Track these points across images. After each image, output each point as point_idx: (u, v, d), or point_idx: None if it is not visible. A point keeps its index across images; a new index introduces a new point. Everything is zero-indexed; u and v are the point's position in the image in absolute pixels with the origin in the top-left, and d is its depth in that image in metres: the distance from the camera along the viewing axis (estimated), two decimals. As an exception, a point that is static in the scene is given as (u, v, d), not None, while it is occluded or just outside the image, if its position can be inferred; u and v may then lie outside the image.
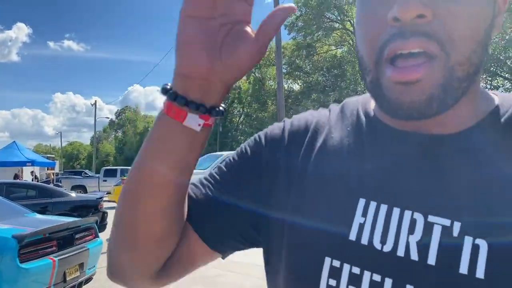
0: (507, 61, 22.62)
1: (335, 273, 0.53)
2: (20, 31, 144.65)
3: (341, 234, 0.54)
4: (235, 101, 46.19)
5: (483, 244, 0.46)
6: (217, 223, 0.66)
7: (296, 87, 37.88)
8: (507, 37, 21.58)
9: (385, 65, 0.50)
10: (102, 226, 8.31)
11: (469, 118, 0.54)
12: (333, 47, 35.26)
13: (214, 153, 12.98)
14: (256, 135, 0.70)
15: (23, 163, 17.81)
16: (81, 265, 4.82)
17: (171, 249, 0.64)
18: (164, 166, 0.58)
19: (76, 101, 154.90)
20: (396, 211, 0.52)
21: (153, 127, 0.59)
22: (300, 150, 0.63)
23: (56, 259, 4.32)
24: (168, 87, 0.56)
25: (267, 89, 40.21)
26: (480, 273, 0.46)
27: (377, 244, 0.52)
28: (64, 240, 4.68)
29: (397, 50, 0.49)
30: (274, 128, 0.70)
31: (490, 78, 24.21)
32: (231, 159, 0.70)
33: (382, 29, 0.50)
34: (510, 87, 24.84)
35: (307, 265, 0.56)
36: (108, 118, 74.35)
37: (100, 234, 5.67)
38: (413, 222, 0.50)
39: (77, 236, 4.94)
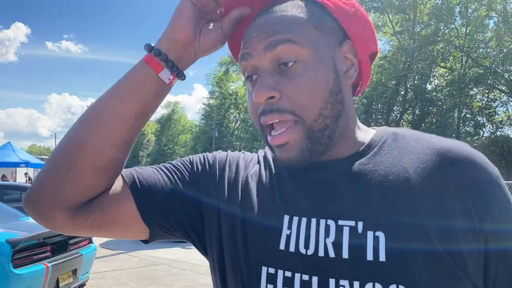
0: (505, 74, 22.76)
1: (271, 279, 0.65)
2: (19, 31, 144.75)
3: (272, 246, 0.66)
4: (232, 106, 46.20)
5: (381, 235, 0.60)
6: (156, 202, 0.74)
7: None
8: (504, 50, 21.75)
9: (265, 133, 0.69)
10: (96, 230, 8.25)
11: (352, 148, 0.70)
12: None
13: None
14: (205, 155, 0.82)
15: (17, 164, 17.70)
16: (74, 271, 4.77)
17: (100, 185, 0.71)
18: (131, 102, 0.71)
19: (72, 102, 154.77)
20: (313, 221, 0.65)
21: (130, 72, 0.73)
22: (233, 179, 0.77)
23: (49, 264, 4.26)
24: (153, 45, 0.73)
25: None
26: (382, 257, 0.59)
27: (302, 250, 0.64)
28: (58, 245, 4.63)
29: (264, 122, 0.67)
30: (220, 155, 0.82)
31: (487, 91, 24.35)
32: (188, 160, 0.81)
33: (255, 107, 0.68)
34: (506, 100, 24.99)
35: (248, 274, 0.67)
36: (104, 120, 74.11)
37: (93, 240, 5.62)
38: (327, 227, 0.63)
39: (71, 241, 4.88)
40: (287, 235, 0.66)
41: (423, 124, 26.50)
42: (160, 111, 62.45)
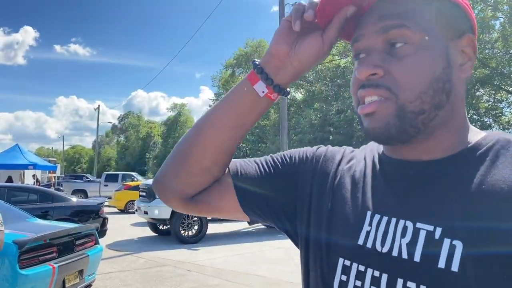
0: (511, 75, 22.61)
1: (346, 270, 0.69)
2: (27, 34, 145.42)
3: (352, 240, 0.70)
4: (238, 108, 46.13)
5: (459, 244, 0.58)
6: (254, 195, 0.83)
7: (299, 96, 37.88)
8: (511, 51, 21.60)
9: (358, 106, 0.71)
10: (102, 232, 8.29)
11: (450, 148, 0.68)
12: (336, 57, 35.33)
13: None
14: (306, 149, 0.89)
15: (25, 166, 17.82)
16: (81, 272, 4.81)
17: (207, 183, 0.84)
18: (229, 113, 0.80)
19: (79, 105, 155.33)
20: (393, 220, 0.66)
21: (236, 85, 0.81)
22: (327, 174, 0.81)
23: (56, 265, 4.30)
24: (256, 61, 0.78)
25: (270, 97, 40.19)
26: (455, 267, 0.58)
27: (378, 247, 0.66)
28: (65, 246, 4.67)
29: (360, 96, 0.69)
30: (319, 150, 0.87)
31: (493, 92, 24.19)
32: (288, 154, 0.88)
33: (357, 83, 0.70)
34: (513, 101, 24.80)
35: (326, 263, 0.72)
36: (111, 122, 74.52)
37: (100, 241, 5.66)
38: (405, 228, 0.64)
39: (77, 242, 4.93)
40: (367, 231, 0.68)
41: (429, 125, 26.29)
42: (167, 113, 62.55)
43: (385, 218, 0.67)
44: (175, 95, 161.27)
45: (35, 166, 17.67)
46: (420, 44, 0.65)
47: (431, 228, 0.62)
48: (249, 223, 0.91)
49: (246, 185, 0.84)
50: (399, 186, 0.69)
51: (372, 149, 0.81)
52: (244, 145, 43.90)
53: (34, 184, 19.88)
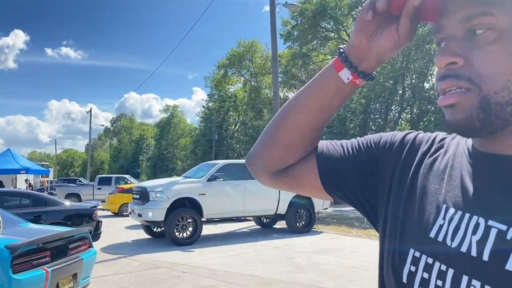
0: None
1: (415, 261, 0.69)
2: (18, 38, 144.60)
3: (424, 232, 0.69)
4: (231, 109, 46.20)
5: None
6: (336, 176, 0.86)
7: (292, 95, 37.93)
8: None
9: (439, 97, 0.68)
10: (96, 235, 8.25)
11: None
12: (328, 56, 35.40)
13: (208, 162, 12.93)
14: (395, 134, 0.87)
15: (17, 171, 17.69)
16: (75, 276, 4.78)
17: (292, 159, 0.89)
18: (314, 96, 0.85)
19: (71, 108, 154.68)
20: (466, 216, 0.64)
21: (322, 71, 0.85)
22: (410, 161, 0.80)
23: (49, 269, 4.28)
24: (341, 50, 0.81)
25: (262, 97, 40.28)
26: None
27: (448, 241, 0.65)
28: (58, 250, 4.64)
29: (440, 88, 0.66)
30: (409, 136, 0.85)
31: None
32: (375, 138, 0.88)
33: (437, 74, 0.67)
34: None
35: (398, 252, 0.72)
36: (103, 125, 74.13)
37: (94, 244, 5.63)
38: (477, 225, 0.62)
39: (70, 246, 4.90)
40: (440, 225, 0.67)
41: (421, 123, 26.52)
42: (160, 115, 62.43)
43: (459, 213, 0.66)
44: (168, 96, 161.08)
45: (27, 170, 17.54)
46: (505, 28, 0.61)
47: (504, 227, 0.59)
48: (333, 203, 0.97)
49: (329, 165, 0.87)
50: (479, 181, 0.67)
51: (462, 139, 0.78)
52: (237, 146, 43.92)
53: (27, 188, 19.74)
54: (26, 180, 22.25)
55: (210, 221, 12.70)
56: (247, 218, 13.86)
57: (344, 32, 32.92)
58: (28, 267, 4.13)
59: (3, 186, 18.17)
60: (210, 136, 44.64)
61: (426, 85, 27.44)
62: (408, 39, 0.74)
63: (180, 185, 10.74)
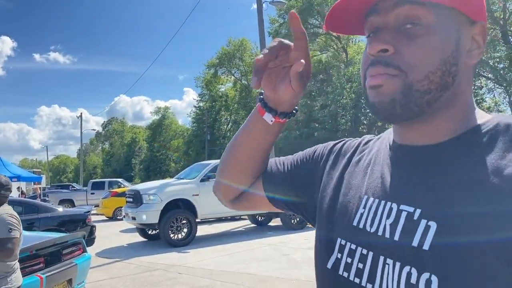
0: (489, 61, 22.96)
1: (341, 249, 0.76)
2: (5, 45, 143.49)
3: (348, 222, 0.76)
4: (222, 108, 46.13)
5: (433, 225, 0.62)
6: (279, 192, 0.98)
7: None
8: (488, 38, 21.88)
9: (366, 80, 0.72)
10: (90, 240, 8.22)
11: (449, 132, 0.69)
12: (317, 52, 35.48)
13: (201, 162, 12.91)
14: (326, 145, 0.98)
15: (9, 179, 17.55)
16: (70, 281, 4.77)
17: (244, 186, 1.02)
18: (249, 138, 0.96)
19: (61, 114, 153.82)
20: (382, 203, 0.71)
21: (250, 114, 0.94)
22: (346, 163, 0.88)
23: (43, 276, 4.26)
24: (261, 96, 0.90)
25: (253, 96, 40.22)
26: (426, 245, 0.61)
27: (368, 227, 0.72)
28: (52, 256, 4.63)
29: (370, 75, 0.70)
30: (333, 143, 0.97)
31: (474, 79, 24.51)
32: (303, 154, 1.00)
33: (366, 62, 0.72)
34: (493, 86, 25.21)
35: (327, 242, 0.79)
36: (95, 130, 73.76)
37: (88, 249, 5.62)
38: (390, 210, 0.69)
39: (64, 251, 4.88)
40: (361, 213, 0.74)
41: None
42: (151, 118, 62.19)
43: (376, 201, 0.72)
44: (159, 98, 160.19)
45: (19, 178, 17.40)
46: (432, 25, 0.66)
47: (411, 209, 0.65)
48: (278, 214, 1.06)
49: (272, 183, 0.99)
50: (395, 171, 0.73)
51: (385, 137, 0.84)
52: (230, 145, 43.82)
53: (19, 196, 19.60)
54: (18, 188, 22.07)
55: (205, 221, 12.71)
56: (242, 217, 13.87)
57: (332, 28, 32.92)
58: (22, 274, 4.11)
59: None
60: (202, 136, 44.58)
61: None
62: (302, 93, 0.85)
63: (173, 187, 10.74)
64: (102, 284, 6.83)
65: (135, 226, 11.27)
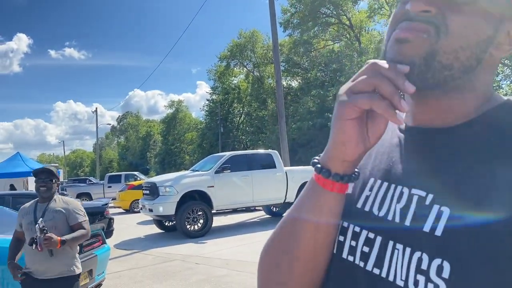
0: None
1: (343, 231, 0.72)
2: (21, 42, 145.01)
3: (351, 204, 0.73)
4: (235, 101, 46.16)
5: (446, 211, 0.60)
6: None
7: (295, 84, 37.81)
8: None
9: (393, 33, 0.66)
10: (108, 232, 8.37)
11: (463, 116, 0.67)
12: (330, 42, 35.21)
13: (215, 154, 12.99)
14: None
15: (27, 174, 17.85)
16: (90, 272, 4.87)
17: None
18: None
19: (77, 109, 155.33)
20: (392, 186, 0.69)
21: (310, 194, 0.71)
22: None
23: (65, 267, 4.36)
24: (320, 165, 0.69)
25: (266, 87, 40.19)
26: (438, 231, 0.59)
27: (375, 211, 0.69)
28: (72, 248, 4.72)
29: (402, 26, 0.64)
30: None
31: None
32: None
33: (399, 17, 0.66)
34: (510, 73, 24.77)
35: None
36: (110, 124, 74.38)
37: (107, 241, 5.73)
38: (401, 194, 0.67)
39: (84, 243, 4.98)
40: (366, 195, 0.72)
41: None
42: (165, 111, 62.53)
43: (385, 184, 0.70)
44: (173, 92, 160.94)
45: (37, 173, 17.68)
46: (482, 6, 0.62)
47: (423, 194, 0.63)
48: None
49: None
50: (407, 154, 0.71)
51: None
52: (243, 137, 43.94)
53: (38, 190, 19.91)
54: (37, 182, 22.40)
55: (221, 212, 12.82)
56: (256, 208, 13.95)
57: (345, 17, 32.67)
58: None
59: (15, 189, 18.38)
60: (216, 129, 44.67)
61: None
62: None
63: (189, 179, 10.84)
64: (121, 275, 6.97)
65: (152, 218, 11.43)
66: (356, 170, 0.70)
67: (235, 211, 14.15)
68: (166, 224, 11.45)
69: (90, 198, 21.12)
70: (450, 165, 0.63)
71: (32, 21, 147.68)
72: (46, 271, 3.35)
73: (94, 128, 53.77)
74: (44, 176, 3.52)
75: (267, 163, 11.39)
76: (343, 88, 0.64)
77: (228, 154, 11.74)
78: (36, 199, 3.63)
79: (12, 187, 18.17)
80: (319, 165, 0.69)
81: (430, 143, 0.68)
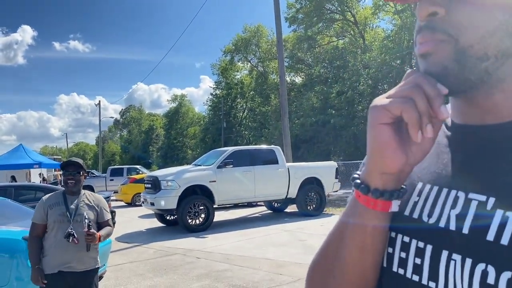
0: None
1: (392, 242, 0.66)
2: (26, 34, 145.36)
3: (400, 211, 0.65)
4: (238, 96, 46.14)
5: None
6: None
7: (299, 79, 37.74)
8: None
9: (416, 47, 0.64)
10: (110, 225, 8.39)
11: None
12: (334, 38, 35.10)
13: (218, 149, 13.00)
14: None
15: (30, 166, 17.95)
16: (92, 264, 4.89)
17: None
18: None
19: (80, 102, 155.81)
20: (444, 191, 0.62)
21: (351, 216, 0.67)
22: None
23: (66, 259, 4.37)
24: (359, 181, 0.64)
25: (269, 83, 40.12)
26: (504, 240, 0.52)
27: (425, 218, 0.63)
28: (74, 240, 4.73)
29: (418, 41, 0.62)
30: None
31: None
32: None
33: (417, 27, 0.63)
34: None
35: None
36: (113, 117, 74.57)
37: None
38: (456, 199, 0.60)
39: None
40: (414, 201, 0.66)
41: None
42: (168, 105, 62.59)
43: (435, 188, 0.64)
44: (176, 86, 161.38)
45: (40, 165, 17.78)
46: None
47: (483, 198, 0.56)
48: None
49: None
50: (456, 154, 0.64)
51: None
52: (246, 132, 43.94)
53: (41, 182, 20.03)
54: (40, 174, 22.56)
55: (222, 207, 12.84)
56: (258, 203, 13.97)
57: (349, 13, 32.55)
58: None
59: (15, 181, 18.46)
60: (218, 124, 44.71)
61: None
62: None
63: (191, 173, 10.86)
64: (122, 268, 7.00)
65: (153, 212, 11.46)
66: (403, 186, 0.64)
67: (236, 206, 14.18)
68: (168, 218, 11.47)
69: (92, 191, 21.05)
70: (509, 166, 0.57)
71: (37, 13, 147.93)
72: (76, 264, 3.38)
73: (97, 121, 53.90)
74: (72, 169, 3.44)
75: (270, 159, 11.41)
76: (379, 97, 0.61)
77: (230, 149, 11.74)
78: (57, 191, 3.63)
79: (13, 179, 18.23)
80: (358, 181, 0.64)
81: (485, 142, 0.61)
